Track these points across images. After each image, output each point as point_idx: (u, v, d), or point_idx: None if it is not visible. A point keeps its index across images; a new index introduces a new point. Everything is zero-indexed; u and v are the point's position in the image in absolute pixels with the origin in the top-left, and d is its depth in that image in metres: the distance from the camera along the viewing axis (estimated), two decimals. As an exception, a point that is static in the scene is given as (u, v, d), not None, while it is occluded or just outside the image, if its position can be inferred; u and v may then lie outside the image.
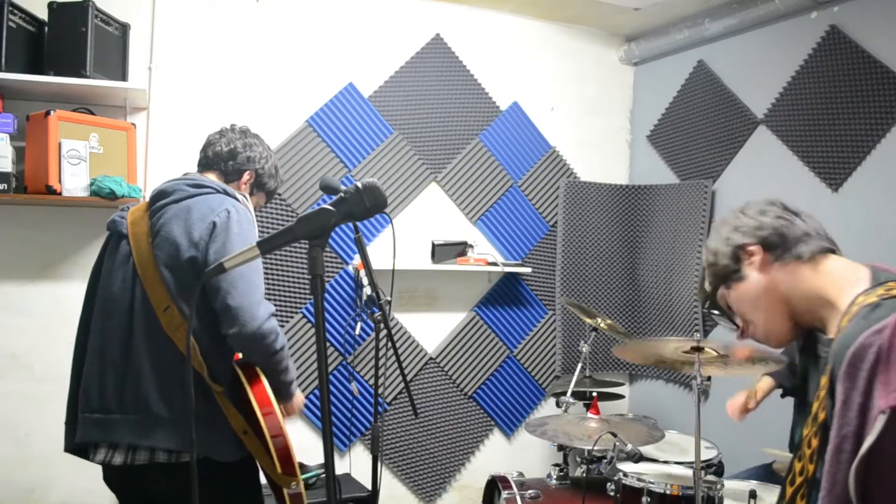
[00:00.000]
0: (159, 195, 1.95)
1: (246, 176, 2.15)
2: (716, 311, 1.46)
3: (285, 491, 1.82)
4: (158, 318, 1.82)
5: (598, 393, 3.42)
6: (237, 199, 1.98)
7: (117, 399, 1.84)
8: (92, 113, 2.87)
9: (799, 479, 1.15)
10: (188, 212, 1.88)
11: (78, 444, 1.94)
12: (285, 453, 1.82)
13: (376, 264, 2.79)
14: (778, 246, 1.32)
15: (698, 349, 2.32)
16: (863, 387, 1.00)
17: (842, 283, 1.23)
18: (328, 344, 3.48)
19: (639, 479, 2.46)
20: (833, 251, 1.31)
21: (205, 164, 2.15)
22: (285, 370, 1.95)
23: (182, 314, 1.81)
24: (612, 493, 2.54)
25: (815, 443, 1.11)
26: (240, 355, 1.98)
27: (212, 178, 2.09)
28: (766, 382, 2.85)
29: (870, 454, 0.97)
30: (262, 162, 2.18)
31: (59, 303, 2.93)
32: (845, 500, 1.00)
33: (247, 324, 1.78)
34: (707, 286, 1.45)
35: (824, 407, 1.10)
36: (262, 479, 2.01)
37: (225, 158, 2.12)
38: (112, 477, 1.93)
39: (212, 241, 1.83)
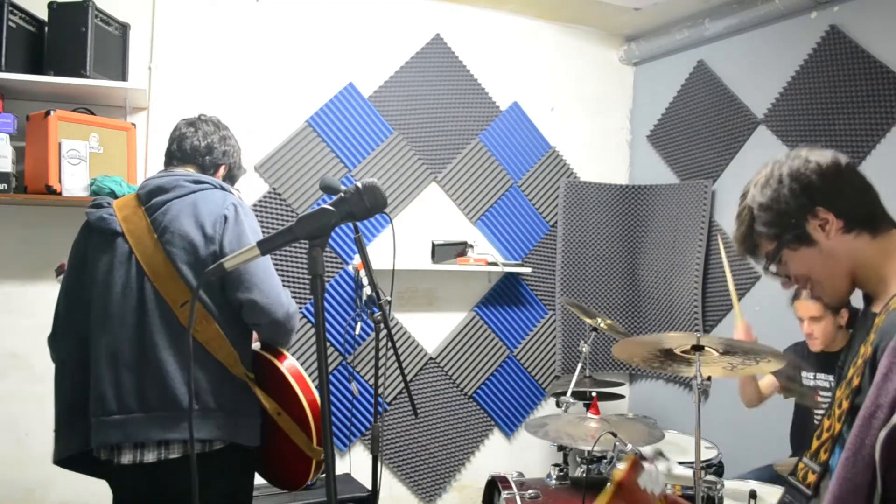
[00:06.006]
0: (157, 190, 1.93)
1: (222, 170, 2.14)
2: (764, 265, 1.36)
3: (314, 461, 1.92)
4: (175, 313, 1.84)
5: (598, 393, 3.42)
6: (234, 195, 2.01)
7: (138, 399, 1.82)
8: (92, 113, 2.87)
9: (826, 435, 1.20)
10: (195, 206, 1.89)
11: (70, 455, 1.90)
12: (321, 429, 1.92)
13: (376, 264, 2.79)
14: (852, 217, 1.27)
15: (699, 348, 2.32)
16: None
17: None
18: (328, 344, 3.48)
19: (639, 479, 2.45)
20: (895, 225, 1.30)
21: (180, 157, 2.07)
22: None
23: (206, 308, 1.84)
24: (612, 493, 2.54)
25: (845, 405, 1.16)
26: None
27: (192, 171, 2.06)
28: (770, 379, 2.89)
29: None
30: (235, 156, 2.18)
31: (59, 303, 2.93)
32: (869, 462, 1.06)
33: (277, 310, 1.88)
34: (762, 241, 1.34)
35: (860, 374, 1.14)
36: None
37: (203, 153, 2.08)
38: (131, 477, 1.89)
39: (225, 232, 1.87)
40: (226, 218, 1.88)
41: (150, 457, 1.82)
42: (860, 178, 1.30)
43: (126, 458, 1.83)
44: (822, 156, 1.30)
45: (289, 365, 1.96)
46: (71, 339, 1.94)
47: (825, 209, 1.26)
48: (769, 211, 1.30)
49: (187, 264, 1.85)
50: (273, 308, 1.87)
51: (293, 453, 1.93)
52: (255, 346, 2.05)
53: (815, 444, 1.23)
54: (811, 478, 1.21)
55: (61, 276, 2.04)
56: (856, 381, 1.15)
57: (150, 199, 1.93)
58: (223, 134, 2.14)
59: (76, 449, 1.90)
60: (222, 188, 2.00)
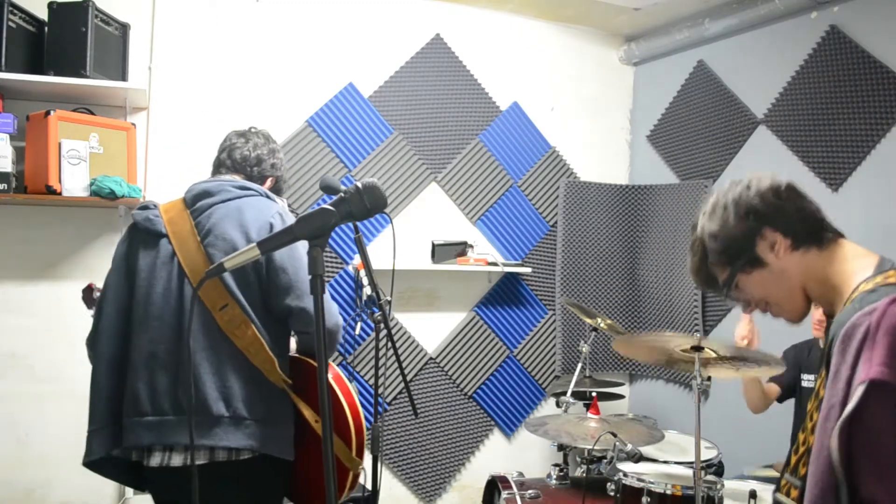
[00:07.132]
0: (203, 194, 1.93)
1: (269, 182, 2.13)
2: (721, 293, 1.39)
3: (350, 473, 1.91)
4: (214, 316, 1.80)
5: (598, 393, 3.42)
6: (278, 204, 1.99)
7: (171, 401, 1.80)
8: (92, 113, 2.87)
9: (801, 449, 1.21)
10: (240, 212, 1.88)
11: (102, 456, 1.87)
12: (361, 440, 1.92)
13: (376, 264, 2.78)
14: (799, 234, 1.30)
15: (698, 348, 2.32)
16: (850, 361, 1.06)
17: (850, 271, 1.26)
18: (328, 344, 3.47)
19: (639, 479, 2.46)
20: (842, 236, 1.33)
21: (230, 166, 2.08)
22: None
23: (245, 312, 1.81)
24: (612, 493, 2.54)
25: (815, 416, 1.17)
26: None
27: (239, 179, 2.05)
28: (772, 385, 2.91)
29: (850, 421, 1.03)
30: (282, 170, 2.18)
31: (59, 303, 2.93)
32: (830, 463, 1.06)
33: (328, 319, 1.83)
34: (716, 270, 1.37)
35: (823, 385, 1.16)
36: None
37: (252, 163, 2.08)
38: (158, 480, 1.87)
39: None
40: (272, 226, 1.86)
41: (176, 460, 1.80)
42: (800, 196, 1.34)
43: (155, 461, 1.81)
44: (762, 180, 1.34)
45: (338, 379, 1.91)
46: (111, 339, 1.90)
47: (772, 229, 1.30)
48: (718, 239, 1.33)
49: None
50: (325, 317, 1.87)
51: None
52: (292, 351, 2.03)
53: (793, 458, 1.23)
54: (794, 493, 1.21)
55: (96, 295, 2.00)
56: (822, 392, 1.15)
57: (196, 202, 1.92)
58: (272, 147, 2.15)
59: (108, 450, 1.87)
60: (267, 196, 1.98)
